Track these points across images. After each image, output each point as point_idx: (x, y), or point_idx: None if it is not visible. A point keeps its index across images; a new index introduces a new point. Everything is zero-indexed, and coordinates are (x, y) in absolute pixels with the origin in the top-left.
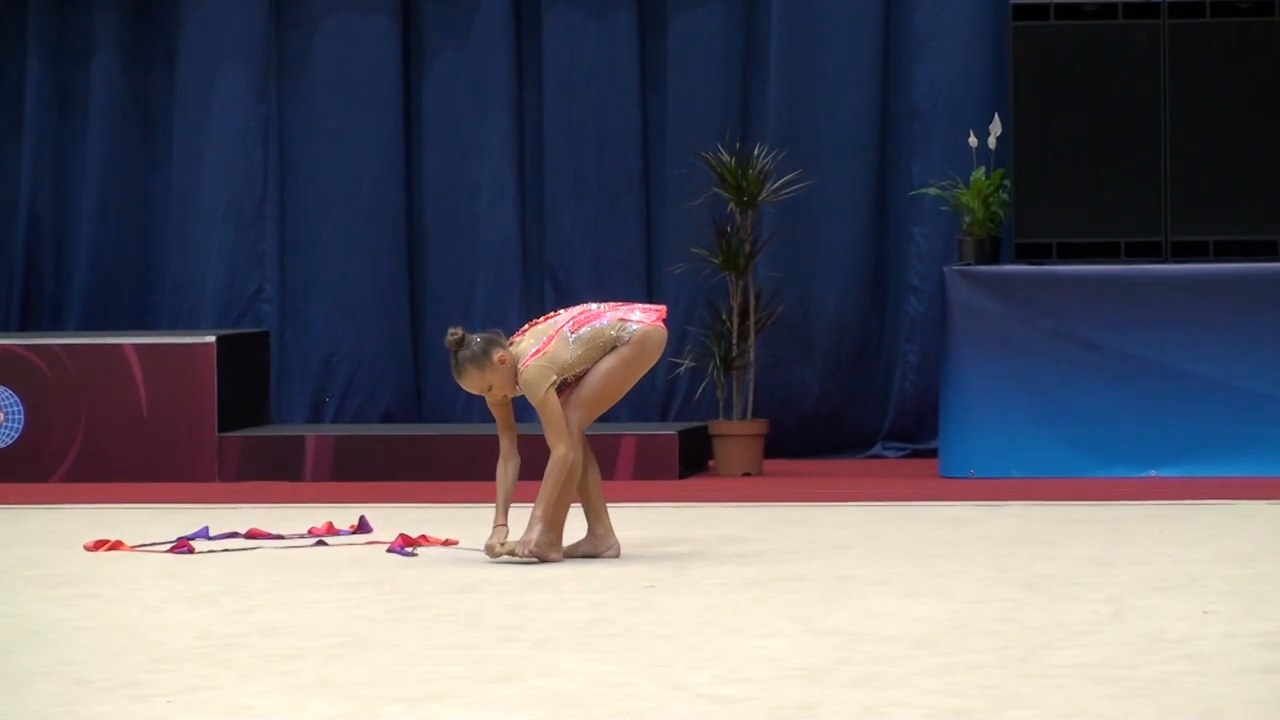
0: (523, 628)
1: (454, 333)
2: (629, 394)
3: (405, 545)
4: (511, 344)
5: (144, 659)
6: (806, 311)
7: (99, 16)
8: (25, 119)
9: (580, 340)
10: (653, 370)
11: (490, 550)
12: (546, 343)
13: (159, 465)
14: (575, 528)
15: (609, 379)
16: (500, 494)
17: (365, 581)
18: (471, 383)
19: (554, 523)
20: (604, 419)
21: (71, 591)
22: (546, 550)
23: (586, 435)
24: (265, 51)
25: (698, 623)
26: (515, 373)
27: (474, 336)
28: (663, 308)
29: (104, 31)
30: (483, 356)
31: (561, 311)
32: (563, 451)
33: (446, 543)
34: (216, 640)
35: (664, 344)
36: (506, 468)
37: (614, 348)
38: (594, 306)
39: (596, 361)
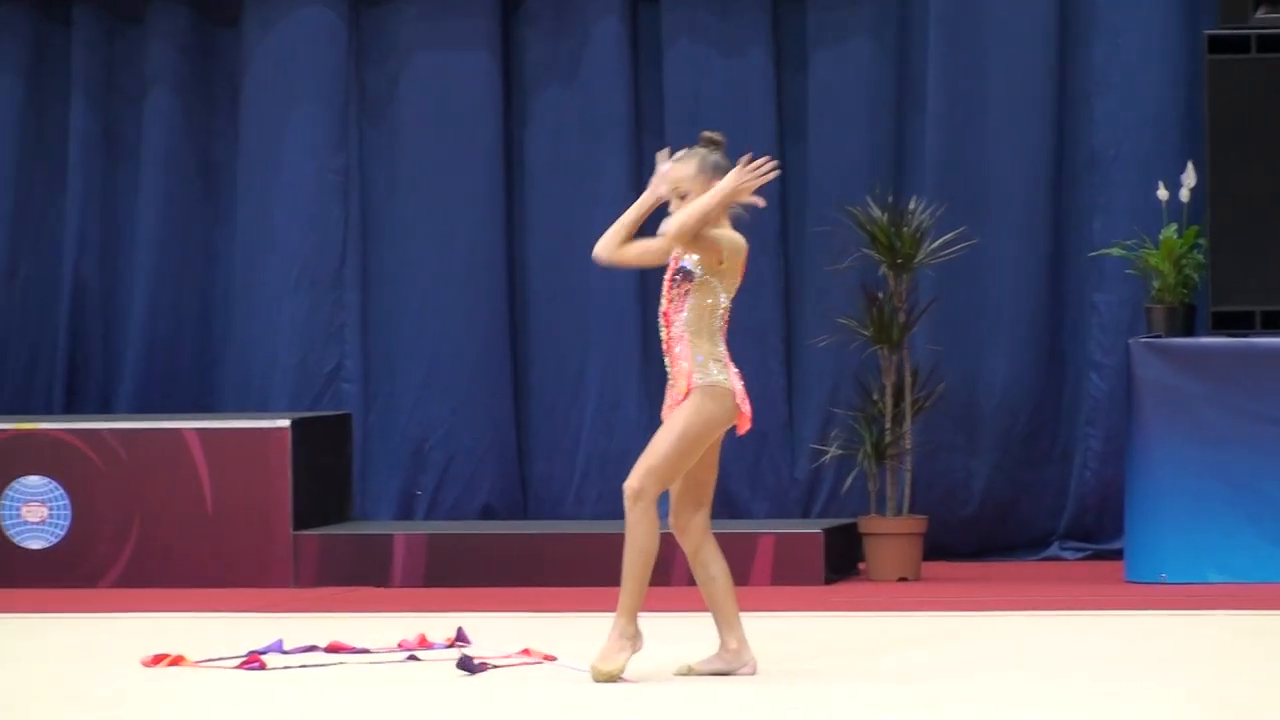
0: None
1: (715, 135)
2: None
3: (473, 662)
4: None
5: None
6: (971, 390)
7: (153, 50)
8: (69, 168)
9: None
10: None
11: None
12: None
13: (225, 568)
14: (705, 641)
15: (682, 441)
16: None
17: (464, 701)
18: (682, 166)
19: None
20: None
21: (125, 714)
22: (612, 655)
23: (715, 532)
24: (343, 92)
25: None
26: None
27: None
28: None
29: (159, 68)
30: (712, 167)
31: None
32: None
33: (547, 658)
34: None
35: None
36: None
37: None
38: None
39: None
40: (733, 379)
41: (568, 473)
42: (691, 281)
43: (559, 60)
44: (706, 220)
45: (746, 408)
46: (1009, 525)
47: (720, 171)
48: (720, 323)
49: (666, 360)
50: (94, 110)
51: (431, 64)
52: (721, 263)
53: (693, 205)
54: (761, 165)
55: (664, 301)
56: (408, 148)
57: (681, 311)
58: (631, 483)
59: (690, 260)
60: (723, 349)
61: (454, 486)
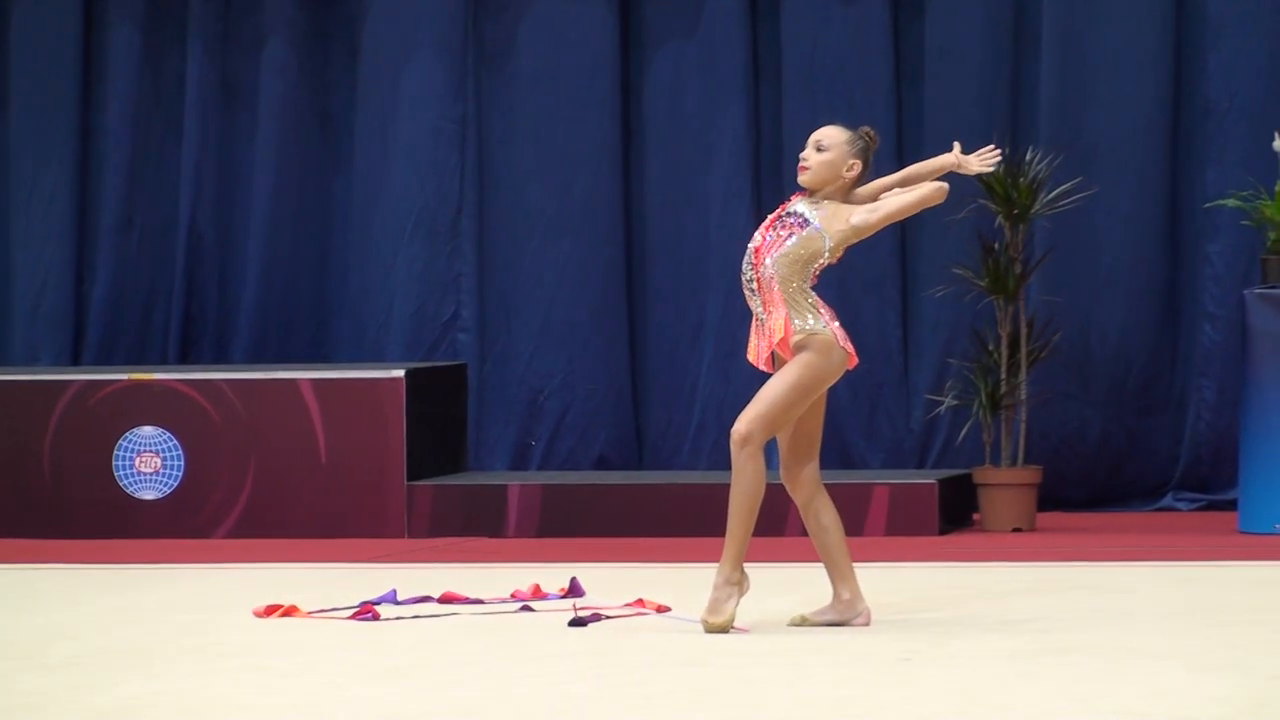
0: (759, 707)
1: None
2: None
3: (587, 613)
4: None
5: None
6: (1086, 341)
7: (269, 1)
8: (185, 117)
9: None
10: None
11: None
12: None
13: (339, 519)
14: (819, 591)
15: (793, 391)
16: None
17: (578, 653)
18: (831, 133)
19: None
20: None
21: (237, 664)
22: (721, 605)
23: (826, 483)
24: (462, 41)
25: (958, 701)
26: (847, 191)
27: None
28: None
29: (276, 18)
30: (858, 139)
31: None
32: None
33: (660, 609)
34: None
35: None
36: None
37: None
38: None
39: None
40: (832, 324)
41: (684, 422)
42: (804, 229)
43: (679, 11)
44: (894, 220)
45: (850, 346)
46: (1123, 476)
47: (862, 161)
48: (813, 275)
49: (754, 301)
50: (210, 60)
51: (549, 14)
52: (846, 247)
53: (895, 205)
54: (986, 154)
55: (758, 238)
56: (525, 97)
57: (777, 251)
58: (739, 428)
59: (814, 214)
60: (814, 295)
61: (569, 437)
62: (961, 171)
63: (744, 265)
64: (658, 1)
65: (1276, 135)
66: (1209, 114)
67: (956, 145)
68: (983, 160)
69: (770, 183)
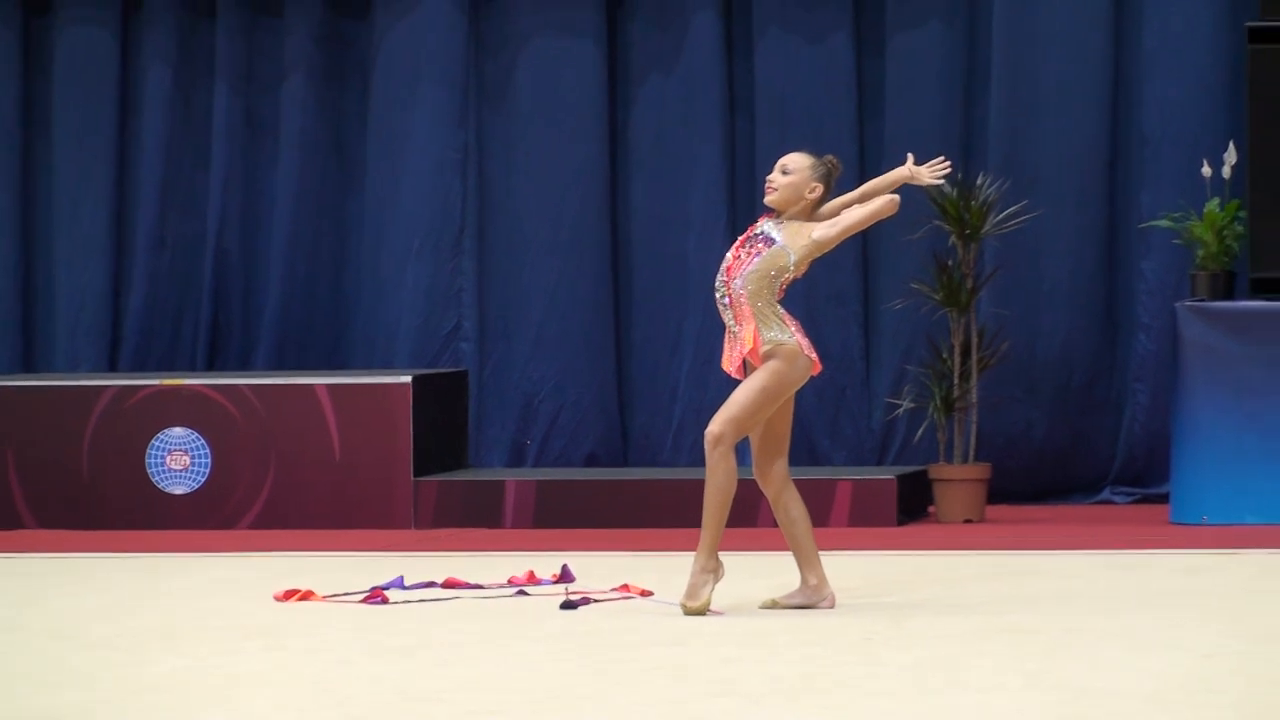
0: (734, 682)
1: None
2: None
3: (577, 597)
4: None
5: (336, 715)
6: (1031, 349)
7: (290, 40)
8: (213, 147)
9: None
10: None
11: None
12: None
13: (352, 511)
14: (788, 577)
15: (761, 395)
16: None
17: (569, 633)
18: (796, 158)
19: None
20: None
21: (260, 644)
22: (698, 590)
23: (794, 478)
24: (464, 76)
25: (916, 677)
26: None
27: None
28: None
29: (295, 56)
30: (821, 165)
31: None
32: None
33: (644, 593)
34: (412, 696)
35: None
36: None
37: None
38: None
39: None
40: (797, 335)
41: (665, 424)
42: (770, 247)
43: (660, 50)
44: (852, 233)
45: (814, 355)
46: (1065, 472)
47: (823, 184)
48: (780, 289)
49: (727, 315)
50: (235, 95)
51: (544, 52)
52: (810, 261)
53: (853, 219)
54: (936, 166)
55: (729, 257)
56: (522, 129)
57: (746, 269)
58: (712, 429)
59: (778, 233)
60: (781, 308)
61: (561, 437)
62: (914, 183)
63: (717, 282)
64: (642, 41)
65: (1205, 162)
66: (1144, 143)
67: (910, 157)
68: (933, 171)
69: (744, 206)
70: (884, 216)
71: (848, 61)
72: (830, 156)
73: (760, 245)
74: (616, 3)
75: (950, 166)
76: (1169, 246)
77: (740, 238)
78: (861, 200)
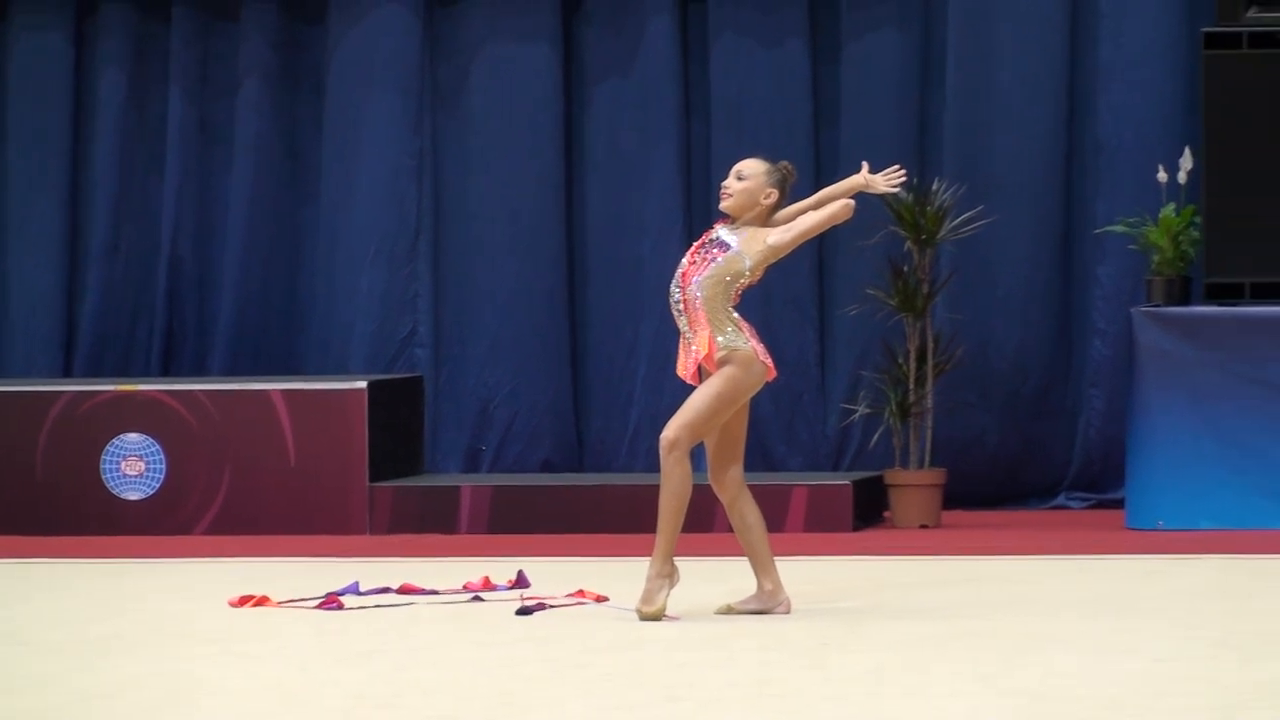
0: (689, 687)
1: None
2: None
3: (533, 602)
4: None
5: None
6: (986, 355)
7: (244, 47)
8: (167, 153)
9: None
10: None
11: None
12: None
13: (307, 517)
14: (744, 583)
15: (717, 401)
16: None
17: (525, 639)
18: (751, 164)
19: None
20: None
21: (216, 649)
22: (654, 595)
23: (750, 484)
24: (418, 82)
25: (872, 683)
26: (765, 217)
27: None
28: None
29: (249, 62)
30: (776, 171)
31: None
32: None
33: (599, 599)
34: (369, 701)
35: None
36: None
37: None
38: None
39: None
40: (752, 340)
41: (620, 429)
42: (725, 252)
43: (615, 54)
44: (808, 238)
45: (769, 361)
46: (1020, 477)
47: (779, 190)
48: (735, 294)
49: (682, 320)
50: (190, 101)
51: (498, 57)
52: (765, 266)
53: (807, 224)
54: (891, 174)
55: (684, 263)
56: (476, 134)
57: (701, 275)
58: (667, 434)
59: (733, 239)
60: (736, 314)
61: (516, 443)
62: (869, 191)
63: (672, 288)
64: (597, 44)
65: (1161, 168)
66: (1099, 150)
67: (865, 165)
68: (888, 180)
69: (700, 212)
70: (839, 221)
71: (803, 67)
72: (785, 162)
73: (715, 251)
74: (572, 7)
75: (906, 175)
76: (1124, 252)
77: (695, 243)
78: (817, 207)
